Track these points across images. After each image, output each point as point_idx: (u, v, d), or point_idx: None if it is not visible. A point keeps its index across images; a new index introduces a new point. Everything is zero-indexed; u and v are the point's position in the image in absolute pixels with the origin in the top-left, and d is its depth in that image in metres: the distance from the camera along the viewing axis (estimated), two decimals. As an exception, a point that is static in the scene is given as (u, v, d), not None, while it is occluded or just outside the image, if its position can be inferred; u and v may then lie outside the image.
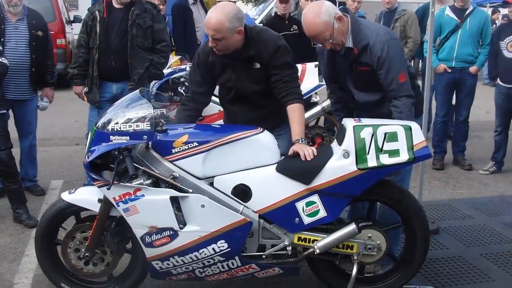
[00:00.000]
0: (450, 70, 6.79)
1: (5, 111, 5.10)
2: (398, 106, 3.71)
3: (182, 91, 6.05)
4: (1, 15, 5.39)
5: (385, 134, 3.38)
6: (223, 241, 3.45)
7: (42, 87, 5.84)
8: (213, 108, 5.34)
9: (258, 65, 3.71)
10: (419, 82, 4.55)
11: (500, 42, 6.59)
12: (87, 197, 3.63)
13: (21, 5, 5.46)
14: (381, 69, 3.67)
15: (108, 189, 3.38)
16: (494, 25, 13.85)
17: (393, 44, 3.73)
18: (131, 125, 3.34)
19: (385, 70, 3.67)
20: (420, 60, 8.50)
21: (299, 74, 6.18)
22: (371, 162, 3.37)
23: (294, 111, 3.65)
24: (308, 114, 6.47)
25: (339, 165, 3.40)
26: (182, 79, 6.17)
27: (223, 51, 3.64)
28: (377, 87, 3.77)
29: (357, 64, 3.75)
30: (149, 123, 3.34)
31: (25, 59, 5.44)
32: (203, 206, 3.40)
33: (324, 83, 5.87)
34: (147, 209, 3.41)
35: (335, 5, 4.20)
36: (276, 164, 3.51)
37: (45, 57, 5.67)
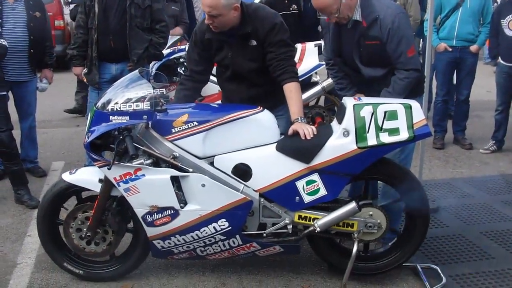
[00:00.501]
0: (450, 49, 6.76)
1: (5, 93, 5.11)
2: (400, 76, 3.70)
3: (181, 71, 6.05)
4: None
5: (385, 112, 3.39)
6: (224, 220, 3.48)
7: (41, 69, 5.83)
8: (213, 88, 5.33)
9: (254, 42, 3.71)
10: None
11: (501, 20, 6.55)
12: (88, 177, 3.66)
13: None
14: (391, 42, 3.64)
15: (108, 169, 3.40)
16: (495, 3, 13.76)
17: (403, 17, 3.71)
18: (131, 105, 3.35)
19: (395, 43, 3.64)
20: (421, 39, 8.45)
21: (298, 53, 6.25)
22: (371, 140, 3.38)
23: (290, 90, 3.64)
24: (308, 93, 6.46)
25: (339, 143, 3.42)
26: (181, 60, 6.16)
27: (220, 28, 3.64)
28: (384, 62, 3.75)
29: (365, 37, 3.72)
30: (149, 103, 3.35)
31: (24, 40, 5.43)
32: (203, 185, 3.42)
33: (324, 62, 5.87)
34: (148, 189, 3.44)
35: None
36: (276, 143, 3.52)
37: (43, 38, 5.65)
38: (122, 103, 3.37)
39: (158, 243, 3.58)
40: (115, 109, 3.36)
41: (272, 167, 3.50)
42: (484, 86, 9.33)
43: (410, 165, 4.05)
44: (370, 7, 3.69)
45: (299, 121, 3.54)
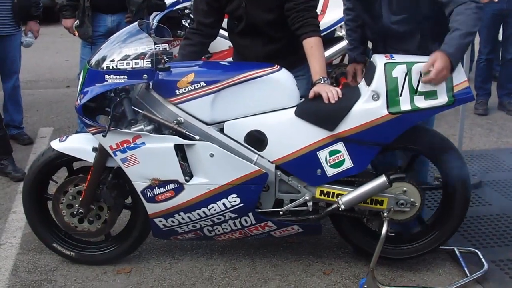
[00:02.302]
0: (497, 0, 6.67)
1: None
2: (462, 12, 3.37)
3: (186, 24, 6.02)
4: None
5: (421, 73, 3.34)
6: (235, 195, 3.48)
7: (26, 21, 5.81)
8: (222, 43, 5.31)
9: None
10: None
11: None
12: (80, 145, 3.66)
13: None
14: None
15: (103, 136, 3.39)
16: None
17: None
18: (129, 63, 3.32)
19: None
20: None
21: (321, 4, 6.18)
22: (405, 105, 3.34)
23: (311, 46, 3.59)
24: (332, 50, 6.43)
25: (368, 108, 3.38)
26: (186, 11, 6.13)
27: None
28: (415, 11, 3.61)
29: None
30: (150, 60, 3.32)
31: None
32: (212, 155, 3.41)
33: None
34: (149, 159, 3.44)
35: None
36: (295, 108, 3.49)
37: None
38: (119, 60, 3.34)
39: (160, 221, 3.59)
40: (111, 67, 3.34)
41: (290, 135, 3.48)
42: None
43: (433, 126, 3.98)
44: None
45: (322, 82, 3.49)
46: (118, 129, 3.41)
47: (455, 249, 3.93)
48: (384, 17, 3.69)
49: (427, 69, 3.28)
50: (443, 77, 3.30)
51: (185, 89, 3.43)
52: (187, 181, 3.46)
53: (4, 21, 5.48)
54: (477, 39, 7.07)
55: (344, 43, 6.47)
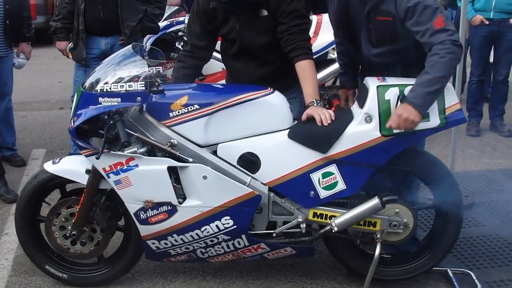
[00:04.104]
0: (487, 22, 6.71)
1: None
2: (436, 53, 3.36)
3: (180, 46, 6.04)
4: None
5: (413, 95, 3.36)
6: (228, 217, 3.48)
7: (18, 43, 5.81)
8: (216, 65, 5.33)
9: (265, 13, 3.69)
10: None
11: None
12: (73, 167, 3.66)
13: None
14: (411, 19, 3.44)
15: (97, 158, 3.40)
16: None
17: None
18: (123, 85, 3.33)
19: (418, 17, 3.42)
20: (454, 11, 8.40)
21: (314, 26, 6.23)
22: (397, 127, 3.36)
23: (303, 68, 3.62)
24: (324, 72, 6.46)
25: (361, 130, 3.40)
26: (180, 33, 6.16)
27: None
28: (395, 44, 3.62)
29: (377, 12, 3.59)
30: (143, 82, 3.33)
31: None
32: (205, 177, 3.41)
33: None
34: (142, 181, 3.43)
35: None
36: (289, 130, 3.51)
37: (20, 8, 5.62)
38: (113, 83, 3.35)
39: (153, 243, 3.58)
40: (105, 90, 3.34)
41: (283, 157, 3.49)
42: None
43: (424, 148, 3.99)
44: None
45: (315, 104, 3.52)
46: (112, 152, 3.41)
47: (448, 270, 3.92)
48: (364, 49, 3.72)
49: (394, 124, 3.31)
50: (411, 124, 3.30)
51: (178, 112, 3.43)
52: (180, 203, 3.45)
53: None
54: (468, 61, 7.14)
55: (336, 65, 6.49)
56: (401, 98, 3.36)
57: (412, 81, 3.44)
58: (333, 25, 3.96)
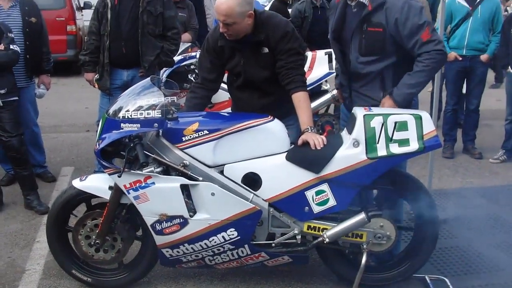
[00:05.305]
0: (461, 58, 6.72)
1: (16, 98, 5.10)
2: (422, 61, 3.52)
3: (192, 78, 6.05)
4: None
5: (395, 123, 3.37)
6: (233, 229, 3.47)
7: (39, 75, 5.79)
8: (223, 95, 5.33)
9: (266, 50, 3.70)
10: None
11: (512, 29, 6.53)
12: (98, 184, 3.66)
13: None
14: (402, 32, 3.52)
15: (119, 176, 3.40)
16: (506, 12, 13.71)
17: (414, 4, 3.57)
18: (142, 113, 3.35)
19: (407, 32, 3.52)
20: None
21: (309, 61, 6.24)
22: (381, 151, 3.37)
23: (299, 100, 3.64)
24: (318, 101, 6.46)
25: (349, 154, 3.40)
26: (192, 66, 6.17)
27: (234, 36, 3.63)
28: (383, 55, 3.66)
29: (369, 23, 3.63)
30: (160, 110, 3.35)
31: (19, 46, 5.26)
32: (213, 194, 3.41)
33: (334, 70, 5.85)
34: (158, 197, 3.43)
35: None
36: (286, 153, 3.51)
37: (39, 44, 5.60)
38: (134, 110, 3.37)
39: (167, 251, 3.57)
40: (126, 117, 3.36)
41: (281, 177, 3.49)
42: (493, 95, 9.28)
43: (406, 169, 4.00)
44: None
45: (309, 131, 3.53)
46: (132, 171, 3.42)
47: (426, 277, 3.92)
48: (352, 56, 3.74)
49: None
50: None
51: (190, 136, 3.44)
52: (191, 216, 3.45)
53: (17, 74, 5.37)
54: (444, 92, 7.16)
55: (328, 95, 6.52)
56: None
57: (394, 110, 3.48)
58: (331, 36, 3.97)
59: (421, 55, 3.54)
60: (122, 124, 3.36)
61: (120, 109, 3.41)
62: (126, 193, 3.46)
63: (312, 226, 3.56)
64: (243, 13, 3.53)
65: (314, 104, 6.28)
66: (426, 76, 3.60)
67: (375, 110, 3.50)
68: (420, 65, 3.54)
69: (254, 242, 3.57)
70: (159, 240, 3.54)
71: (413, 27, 3.52)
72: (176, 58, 5.91)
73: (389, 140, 3.37)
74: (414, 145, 3.39)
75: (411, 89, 3.60)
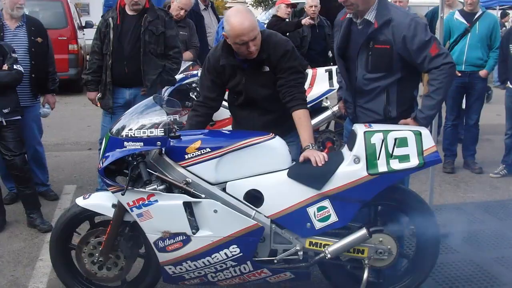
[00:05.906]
0: (460, 74, 6.75)
1: (19, 117, 5.13)
2: (436, 78, 3.62)
3: (193, 96, 6.09)
4: (0, 23, 5.42)
5: (395, 139, 3.40)
6: (235, 246, 3.48)
7: (44, 94, 5.83)
8: (225, 113, 5.36)
9: (267, 69, 3.74)
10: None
11: (510, 45, 6.57)
12: (101, 202, 3.67)
13: (23, 10, 5.49)
14: (410, 49, 3.58)
15: (122, 194, 3.42)
16: (504, 28, 13.79)
17: (420, 21, 3.64)
18: (145, 131, 3.37)
19: (415, 49, 3.58)
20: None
21: (309, 79, 6.28)
22: (382, 167, 3.39)
23: (299, 117, 3.66)
24: (318, 118, 6.50)
25: (350, 170, 3.42)
26: (193, 85, 6.20)
27: (257, 50, 3.63)
28: (389, 71, 3.71)
29: (375, 41, 3.67)
30: (163, 129, 3.37)
31: (25, 66, 5.34)
32: (215, 211, 3.42)
33: (334, 87, 5.89)
34: (161, 214, 3.45)
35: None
36: (288, 170, 3.52)
37: (45, 64, 5.65)
38: (136, 129, 3.39)
39: (170, 268, 3.58)
40: (129, 135, 3.38)
41: (283, 194, 3.50)
42: (493, 110, 9.32)
43: (408, 184, 4.03)
44: (385, 10, 3.67)
45: (310, 148, 3.55)
46: (135, 189, 3.43)
47: (428, 292, 3.93)
48: (358, 72, 3.79)
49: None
50: None
51: (193, 154, 3.46)
52: (194, 233, 3.46)
53: (22, 93, 5.41)
54: (444, 107, 7.18)
55: (329, 112, 6.56)
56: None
57: (394, 127, 3.51)
58: (336, 53, 4.01)
59: (432, 71, 3.61)
60: (125, 143, 3.38)
61: (123, 128, 3.43)
62: (130, 210, 3.48)
63: (314, 242, 3.57)
64: (257, 26, 3.58)
65: (315, 121, 6.32)
66: (443, 93, 3.67)
67: (375, 126, 3.52)
68: (435, 83, 3.62)
69: (257, 259, 3.58)
70: (162, 257, 3.54)
71: (421, 43, 3.58)
72: (178, 77, 5.95)
73: (389, 156, 3.39)
74: (414, 161, 3.40)
75: (433, 110, 3.70)
